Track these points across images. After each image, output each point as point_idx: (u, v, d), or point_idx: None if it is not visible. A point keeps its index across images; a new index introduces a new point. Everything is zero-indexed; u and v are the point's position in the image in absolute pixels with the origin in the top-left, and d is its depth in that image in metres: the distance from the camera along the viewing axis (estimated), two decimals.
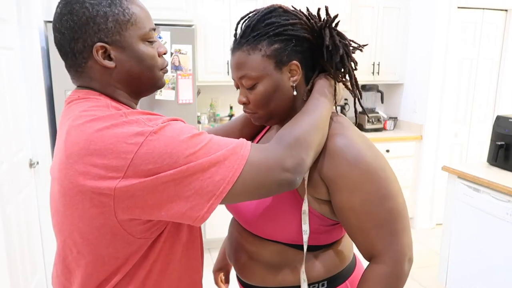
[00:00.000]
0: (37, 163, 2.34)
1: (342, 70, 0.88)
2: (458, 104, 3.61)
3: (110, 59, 0.75)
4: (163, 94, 2.73)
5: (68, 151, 0.69)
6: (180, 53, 2.71)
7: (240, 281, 1.01)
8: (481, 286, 2.27)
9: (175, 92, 2.75)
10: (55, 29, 0.75)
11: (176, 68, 2.73)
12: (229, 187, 0.69)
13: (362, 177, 0.81)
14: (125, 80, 0.78)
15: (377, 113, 3.78)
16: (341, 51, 0.85)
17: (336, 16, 0.86)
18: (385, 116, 3.92)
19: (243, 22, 0.88)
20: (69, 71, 0.79)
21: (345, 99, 3.91)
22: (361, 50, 0.92)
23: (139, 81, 0.80)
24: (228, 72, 3.19)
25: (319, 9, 0.89)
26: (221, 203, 0.70)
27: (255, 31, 0.84)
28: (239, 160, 0.70)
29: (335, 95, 0.89)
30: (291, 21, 0.84)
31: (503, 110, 3.67)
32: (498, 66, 3.64)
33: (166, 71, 0.85)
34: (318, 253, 0.92)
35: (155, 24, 2.78)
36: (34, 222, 2.29)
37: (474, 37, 3.53)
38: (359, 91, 0.90)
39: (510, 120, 2.31)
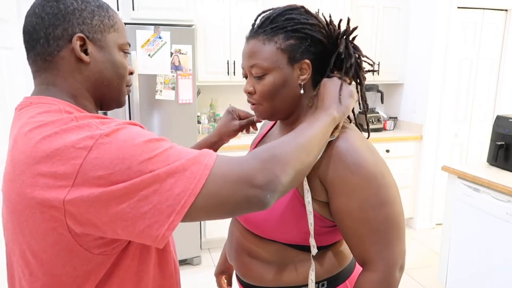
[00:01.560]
0: None
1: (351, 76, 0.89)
2: (458, 104, 3.61)
3: (86, 54, 0.72)
4: (163, 94, 2.74)
5: (14, 161, 0.64)
6: (180, 53, 2.71)
7: (239, 280, 1.01)
8: (481, 286, 2.27)
9: (175, 92, 2.75)
10: (33, 14, 0.70)
11: (176, 68, 2.73)
12: (191, 200, 0.61)
13: (361, 182, 0.81)
14: (94, 81, 0.74)
15: (377, 113, 3.78)
16: (353, 60, 0.87)
17: (355, 28, 0.88)
18: (385, 116, 3.93)
19: (264, 15, 0.89)
20: (34, 61, 0.72)
21: None
22: (371, 65, 0.93)
23: (107, 87, 0.76)
24: (228, 72, 3.19)
25: (340, 20, 0.90)
26: (182, 220, 0.62)
27: (274, 23, 0.85)
28: (202, 171, 0.62)
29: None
30: (310, 21, 0.85)
31: (503, 110, 3.67)
32: (498, 66, 3.64)
33: (129, 91, 0.82)
34: (318, 253, 0.92)
35: (155, 24, 2.79)
36: None
37: (474, 37, 3.53)
38: (366, 104, 0.92)
39: (510, 120, 2.31)
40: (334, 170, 0.82)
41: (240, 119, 1.11)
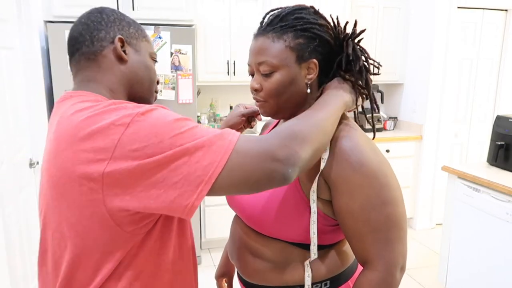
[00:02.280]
0: (37, 163, 2.34)
1: (359, 81, 0.90)
2: (458, 104, 3.61)
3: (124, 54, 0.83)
4: (163, 94, 2.73)
5: (57, 140, 0.71)
6: (180, 53, 2.71)
7: (241, 279, 1.01)
8: (481, 286, 2.27)
9: (175, 92, 2.75)
10: (79, 23, 0.82)
11: (176, 68, 2.73)
12: (218, 171, 0.66)
13: (363, 182, 0.81)
14: (129, 78, 0.84)
15: (377, 113, 3.78)
16: (361, 62, 0.87)
17: (362, 31, 0.89)
18: (385, 116, 3.93)
19: (273, 13, 0.89)
20: (78, 61, 0.83)
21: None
22: (378, 68, 0.94)
23: (139, 86, 0.86)
24: (228, 72, 3.19)
25: (346, 22, 0.91)
26: (209, 193, 0.67)
27: (284, 21, 0.85)
28: (227, 145, 0.68)
29: (356, 100, 0.90)
30: (319, 21, 0.86)
31: (503, 110, 3.67)
32: (498, 66, 3.64)
33: (156, 98, 0.93)
34: (321, 253, 0.92)
35: (155, 24, 2.79)
36: (34, 222, 2.29)
37: (474, 37, 3.53)
38: (377, 105, 0.93)
39: (510, 120, 2.31)
40: (337, 169, 0.83)
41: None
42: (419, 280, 2.82)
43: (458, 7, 3.40)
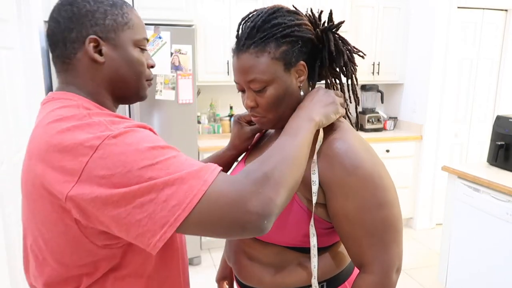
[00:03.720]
0: None
1: (345, 74, 0.90)
2: (458, 104, 3.61)
3: (100, 54, 0.74)
4: (163, 94, 2.73)
5: (30, 152, 0.68)
6: (180, 53, 2.71)
7: (238, 282, 1.01)
8: (481, 286, 2.27)
9: (175, 92, 2.75)
10: (51, 19, 0.74)
11: (176, 68, 2.72)
12: (185, 214, 0.61)
13: (358, 184, 0.80)
14: (110, 80, 0.76)
15: (377, 113, 3.77)
16: (345, 56, 0.86)
17: (342, 22, 0.87)
18: (385, 116, 3.92)
19: (246, 23, 0.85)
20: (55, 63, 0.77)
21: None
22: (362, 57, 0.92)
23: (124, 84, 0.78)
24: (228, 72, 3.19)
25: (321, 12, 0.89)
26: (176, 232, 0.62)
27: (262, 32, 0.81)
28: (200, 186, 0.62)
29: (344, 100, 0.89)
30: (296, 21, 0.83)
31: (503, 110, 3.67)
32: (498, 66, 3.64)
33: (151, 84, 0.84)
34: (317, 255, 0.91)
35: (155, 24, 2.79)
36: None
37: (474, 37, 3.53)
38: (358, 97, 0.92)
39: (510, 120, 2.31)
40: (331, 172, 0.82)
41: (250, 124, 1.05)
42: (419, 280, 2.82)
43: (458, 7, 3.40)
